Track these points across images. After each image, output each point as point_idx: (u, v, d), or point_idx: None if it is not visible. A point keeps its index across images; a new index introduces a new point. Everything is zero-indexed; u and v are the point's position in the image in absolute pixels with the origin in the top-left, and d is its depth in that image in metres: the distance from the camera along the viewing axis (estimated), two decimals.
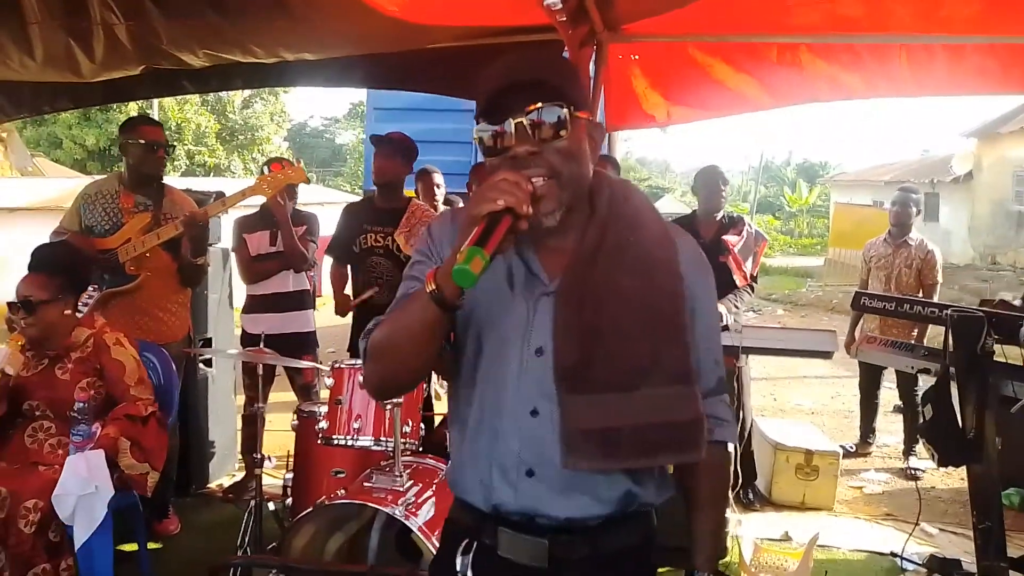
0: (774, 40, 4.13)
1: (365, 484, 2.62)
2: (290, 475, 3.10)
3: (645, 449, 1.22)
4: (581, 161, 1.25)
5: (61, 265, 3.04)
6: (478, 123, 1.24)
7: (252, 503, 3.03)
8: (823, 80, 4.17)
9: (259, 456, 3.15)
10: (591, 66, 4.52)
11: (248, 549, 3.03)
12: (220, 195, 3.96)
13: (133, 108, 17.86)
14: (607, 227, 1.27)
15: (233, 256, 4.37)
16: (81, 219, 3.57)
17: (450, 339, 1.33)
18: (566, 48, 3.96)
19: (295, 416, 3.23)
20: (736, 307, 4.00)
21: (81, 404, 2.77)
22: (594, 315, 1.22)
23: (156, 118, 21.06)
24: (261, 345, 3.36)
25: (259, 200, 3.84)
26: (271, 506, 3.17)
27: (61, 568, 2.66)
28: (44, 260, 3.04)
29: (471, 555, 1.30)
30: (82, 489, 2.61)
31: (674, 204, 36.86)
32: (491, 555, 1.30)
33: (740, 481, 4.17)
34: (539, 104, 1.19)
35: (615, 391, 1.21)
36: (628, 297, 1.24)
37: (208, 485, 4.36)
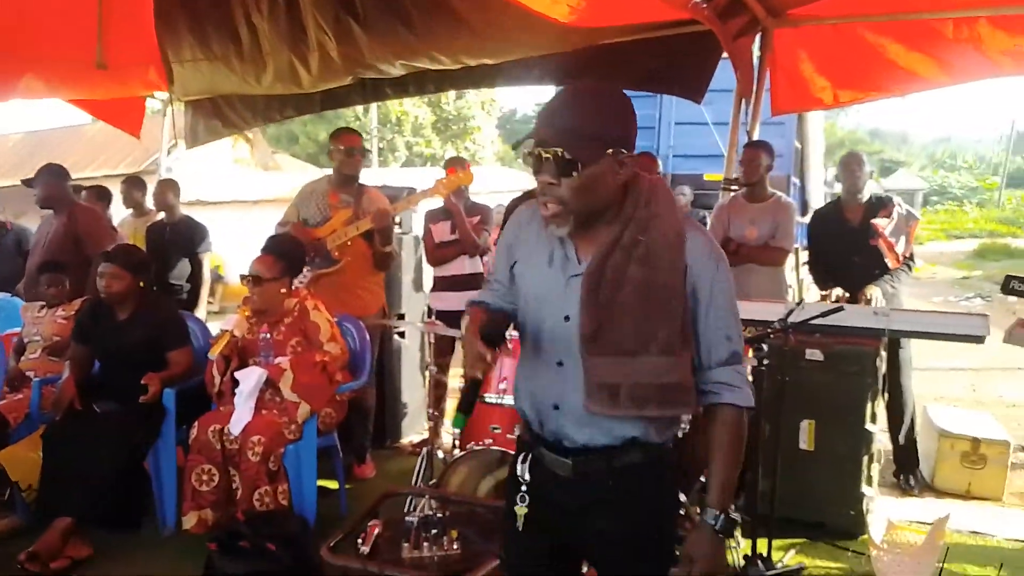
0: (950, 16, 3.98)
1: (508, 436, 3.07)
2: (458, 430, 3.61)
3: (638, 402, 1.56)
4: (596, 193, 1.53)
5: (285, 252, 3.76)
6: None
7: (425, 449, 3.58)
8: (1006, 55, 3.97)
9: (435, 413, 3.72)
10: (755, 51, 4.63)
11: (418, 484, 3.58)
12: (411, 191, 4.61)
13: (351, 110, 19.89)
14: (626, 227, 1.58)
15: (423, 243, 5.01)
16: (299, 212, 4.31)
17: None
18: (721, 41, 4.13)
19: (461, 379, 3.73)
20: (893, 287, 3.99)
21: (266, 336, 3.61)
22: (608, 296, 1.55)
23: (375, 114, 22.98)
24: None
25: None
26: (440, 454, 3.69)
27: (278, 492, 3.36)
28: (273, 246, 3.79)
29: (527, 463, 1.71)
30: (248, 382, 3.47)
31: (910, 179, 33.76)
32: (540, 464, 1.70)
33: (896, 467, 4.20)
34: (559, 151, 1.47)
35: (621, 355, 1.55)
36: (634, 284, 1.55)
37: (400, 440, 5.04)
